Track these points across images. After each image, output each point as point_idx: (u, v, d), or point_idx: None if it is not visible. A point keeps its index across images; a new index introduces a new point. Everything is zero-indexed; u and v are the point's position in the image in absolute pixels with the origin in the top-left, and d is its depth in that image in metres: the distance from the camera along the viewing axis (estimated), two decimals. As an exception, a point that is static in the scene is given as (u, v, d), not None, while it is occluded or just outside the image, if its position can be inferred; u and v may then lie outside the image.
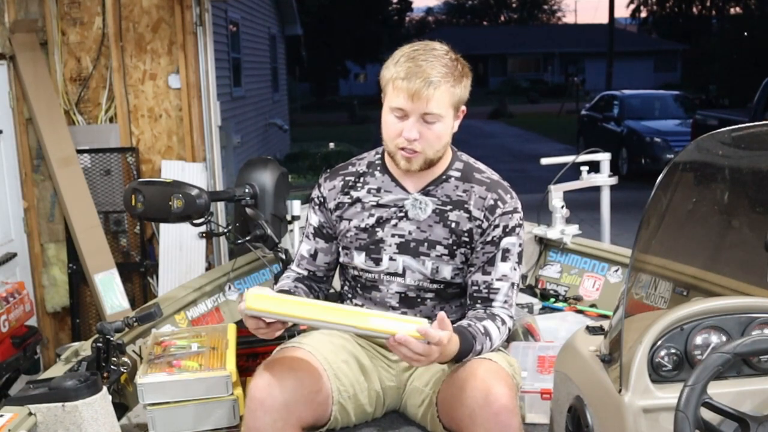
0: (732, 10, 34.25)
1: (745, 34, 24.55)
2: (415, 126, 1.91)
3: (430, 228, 2.02)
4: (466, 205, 2.01)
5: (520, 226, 2.04)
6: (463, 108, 2.00)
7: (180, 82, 4.16)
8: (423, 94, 1.88)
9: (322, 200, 2.12)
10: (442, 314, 1.76)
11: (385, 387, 2.06)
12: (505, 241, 2.01)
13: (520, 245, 2.04)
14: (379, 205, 2.05)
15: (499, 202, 2.01)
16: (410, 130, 1.91)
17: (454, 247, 2.01)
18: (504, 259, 2.01)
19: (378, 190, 2.06)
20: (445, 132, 1.95)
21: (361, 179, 2.09)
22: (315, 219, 2.14)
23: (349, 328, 1.78)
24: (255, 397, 1.82)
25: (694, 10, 36.96)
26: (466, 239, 2.01)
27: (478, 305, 2.02)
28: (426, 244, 2.02)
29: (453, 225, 2.01)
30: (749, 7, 30.71)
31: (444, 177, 2.04)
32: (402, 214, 2.03)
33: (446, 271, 2.02)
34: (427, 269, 2.02)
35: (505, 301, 2.02)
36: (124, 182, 4.15)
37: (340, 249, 2.12)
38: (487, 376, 1.82)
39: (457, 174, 2.05)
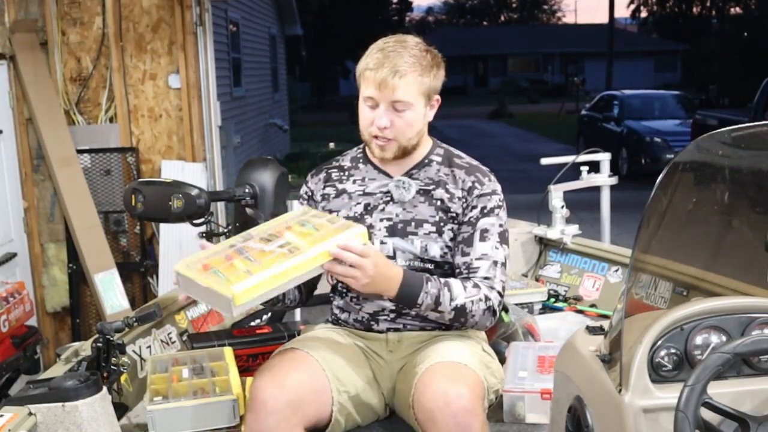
0: (732, 10, 34.22)
1: (745, 34, 24.55)
2: (385, 114, 1.97)
3: (415, 208, 2.05)
4: (447, 186, 2.06)
5: (500, 207, 2.07)
6: (437, 97, 2.05)
7: (180, 82, 4.16)
8: (389, 83, 1.93)
9: (309, 194, 2.17)
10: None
11: (386, 388, 2.05)
12: (483, 222, 2.03)
13: (500, 226, 2.06)
14: (365, 194, 2.09)
15: (477, 184, 2.06)
16: (381, 119, 1.97)
17: (441, 224, 2.04)
18: (483, 239, 2.02)
19: (363, 180, 2.11)
20: (416, 120, 2.00)
21: (347, 172, 2.14)
22: None
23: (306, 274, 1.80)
24: (258, 399, 1.81)
25: (694, 10, 36.91)
26: (453, 215, 2.04)
27: None
28: (413, 223, 2.04)
29: (438, 203, 2.05)
30: (749, 7, 30.69)
31: (426, 161, 2.09)
32: (388, 198, 2.07)
33: (435, 250, 2.03)
34: (416, 248, 2.03)
35: (486, 278, 2.00)
36: (124, 182, 4.15)
37: None
38: (446, 378, 1.82)
39: (439, 159, 2.11)
